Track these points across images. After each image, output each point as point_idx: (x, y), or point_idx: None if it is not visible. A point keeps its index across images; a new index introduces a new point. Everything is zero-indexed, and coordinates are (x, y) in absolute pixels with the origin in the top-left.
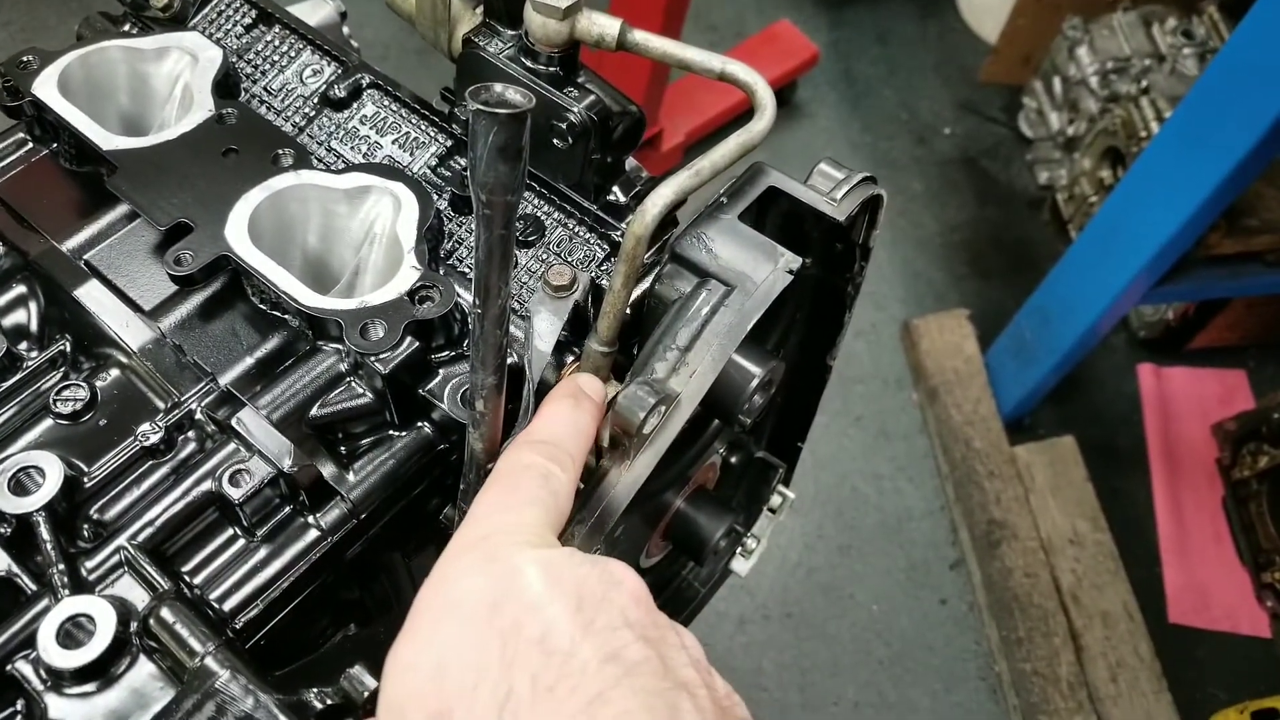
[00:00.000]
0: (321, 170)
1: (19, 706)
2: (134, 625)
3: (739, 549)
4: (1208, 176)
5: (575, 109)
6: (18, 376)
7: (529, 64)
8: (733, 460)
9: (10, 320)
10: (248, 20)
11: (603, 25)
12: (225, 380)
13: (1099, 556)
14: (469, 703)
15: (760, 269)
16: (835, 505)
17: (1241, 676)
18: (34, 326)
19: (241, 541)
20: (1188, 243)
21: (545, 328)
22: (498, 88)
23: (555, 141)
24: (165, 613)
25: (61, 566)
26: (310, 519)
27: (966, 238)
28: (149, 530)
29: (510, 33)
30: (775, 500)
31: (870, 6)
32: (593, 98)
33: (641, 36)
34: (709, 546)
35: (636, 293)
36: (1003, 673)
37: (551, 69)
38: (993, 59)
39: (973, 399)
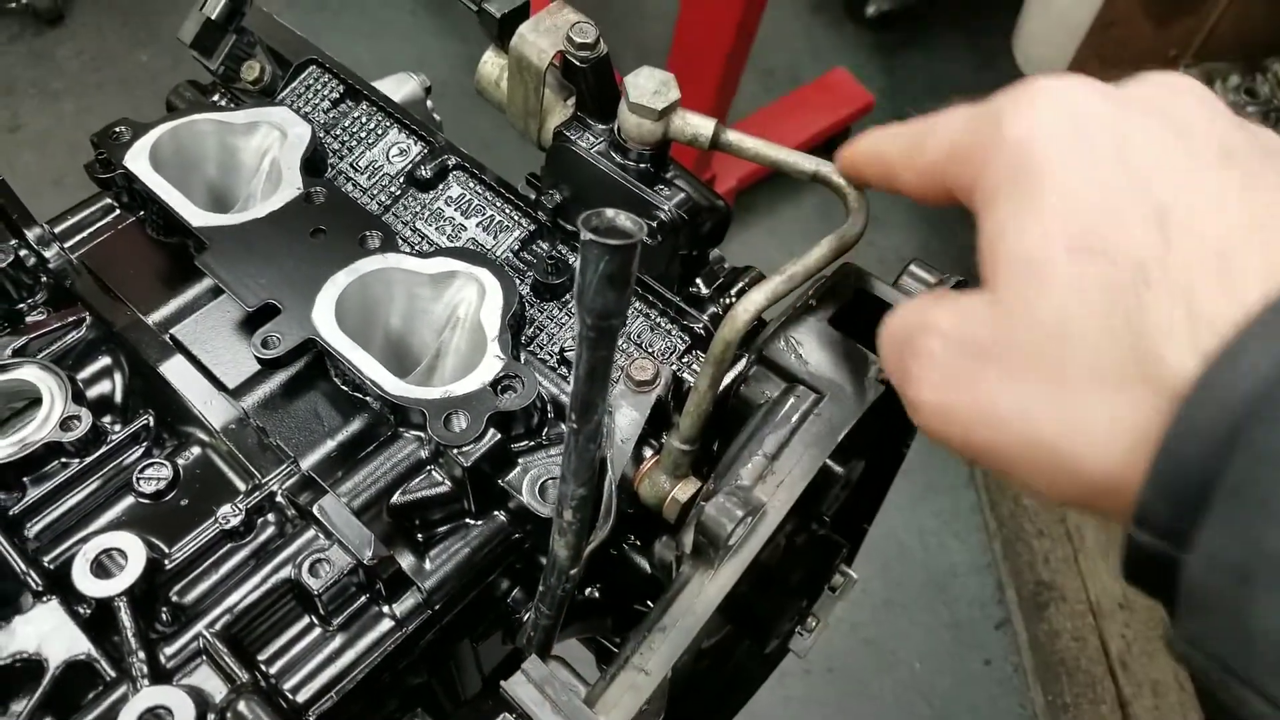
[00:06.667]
0: (407, 253)
1: None
2: (211, 718)
3: (799, 629)
4: None
5: (665, 207)
6: (101, 450)
7: (619, 159)
8: (797, 540)
9: (95, 391)
10: (335, 95)
11: (696, 125)
12: (307, 464)
13: (1150, 622)
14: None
15: (852, 378)
16: (880, 559)
17: None
18: (118, 398)
19: (317, 630)
20: None
21: (627, 424)
22: (609, 213)
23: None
24: (242, 707)
25: (141, 655)
26: (385, 609)
27: None
28: (227, 617)
29: (601, 126)
30: (837, 580)
31: (925, 55)
32: (682, 195)
33: (735, 137)
34: (774, 631)
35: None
36: None
37: (642, 165)
38: None
39: None
